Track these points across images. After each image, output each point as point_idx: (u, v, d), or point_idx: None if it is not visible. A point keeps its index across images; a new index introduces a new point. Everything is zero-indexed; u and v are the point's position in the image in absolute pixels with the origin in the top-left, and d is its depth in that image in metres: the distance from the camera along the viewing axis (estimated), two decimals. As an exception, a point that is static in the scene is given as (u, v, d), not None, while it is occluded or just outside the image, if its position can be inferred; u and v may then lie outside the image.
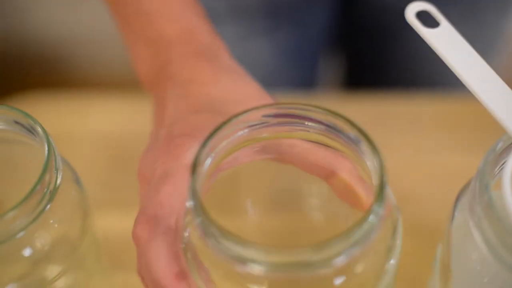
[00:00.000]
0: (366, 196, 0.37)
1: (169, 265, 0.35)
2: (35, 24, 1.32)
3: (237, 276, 0.32)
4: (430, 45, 0.38)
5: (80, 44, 1.35)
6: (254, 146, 0.37)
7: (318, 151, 0.38)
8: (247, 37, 0.77)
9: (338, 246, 0.30)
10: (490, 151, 0.35)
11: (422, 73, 0.81)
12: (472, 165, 0.35)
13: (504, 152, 0.35)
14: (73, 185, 0.41)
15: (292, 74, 0.85)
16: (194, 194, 0.32)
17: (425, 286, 0.46)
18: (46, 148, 0.37)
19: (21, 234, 0.36)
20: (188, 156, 0.38)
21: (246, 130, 0.36)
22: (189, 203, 0.33)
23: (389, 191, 0.34)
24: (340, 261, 0.31)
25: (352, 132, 0.35)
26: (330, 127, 0.36)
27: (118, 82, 1.03)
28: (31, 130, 0.39)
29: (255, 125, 0.36)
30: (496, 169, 0.35)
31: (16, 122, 0.39)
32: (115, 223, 0.56)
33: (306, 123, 0.36)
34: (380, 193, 0.32)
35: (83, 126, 0.67)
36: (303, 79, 0.87)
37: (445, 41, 0.38)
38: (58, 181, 0.38)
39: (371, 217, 0.31)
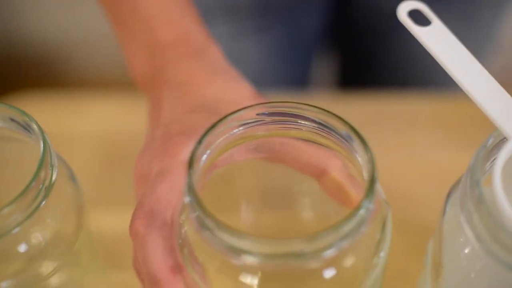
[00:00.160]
0: (356, 194, 0.37)
1: (164, 259, 0.36)
2: (32, 26, 1.32)
3: (231, 270, 0.33)
4: (422, 43, 0.38)
5: (76, 45, 1.35)
6: (249, 144, 0.38)
7: (309, 150, 0.38)
8: (239, 37, 0.77)
9: (329, 238, 0.31)
10: (481, 147, 0.35)
11: (415, 73, 0.82)
12: (466, 163, 0.35)
13: (494, 148, 0.35)
14: (68, 182, 0.41)
15: (284, 73, 0.85)
16: (191, 189, 0.33)
17: (417, 281, 0.46)
18: (42, 145, 0.37)
19: (16, 230, 0.36)
20: (185, 154, 0.38)
21: (240, 128, 0.36)
22: (186, 198, 0.33)
23: (379, 187, 0.35)
24: (330, 253, 0.32)
25: (343, 129, 0.35)
26: (322, 125, 0.36)
27: (114, 83, 1.03)
28: (26, 128, 0.39)
29: (250, 123, 0.37)
30: (487, 165, 0.35)
31: (12, 120, 0.39)
32: (110, 221, 0.56)
33: (299, 121, 0.37)
34: (371, 188, 0.32)
35: (79, 126, 0.67)
36: (295, 79, 0.88)
37: (437, 40, 0.38)
38: (54, 178, 0.38)
39: (361, 211, 0.32)
